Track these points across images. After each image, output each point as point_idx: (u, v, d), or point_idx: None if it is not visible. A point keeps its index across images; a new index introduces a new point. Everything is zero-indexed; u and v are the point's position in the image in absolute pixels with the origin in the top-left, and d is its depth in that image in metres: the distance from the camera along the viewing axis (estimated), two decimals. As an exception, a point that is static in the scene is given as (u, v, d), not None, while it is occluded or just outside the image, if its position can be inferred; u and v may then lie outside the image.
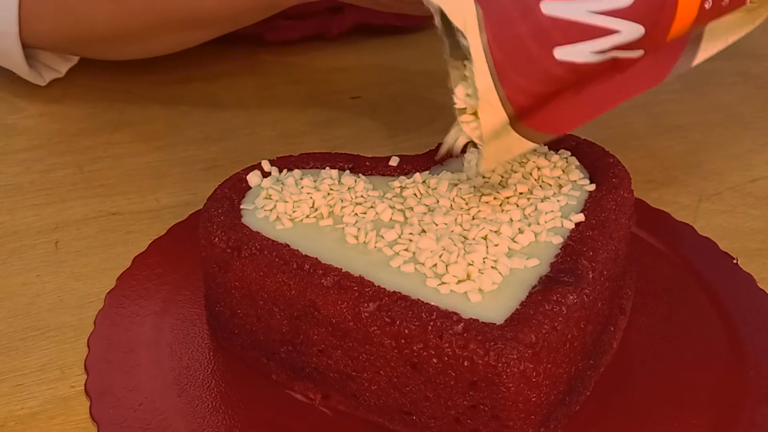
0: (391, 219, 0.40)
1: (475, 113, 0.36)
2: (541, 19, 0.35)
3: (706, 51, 0.41)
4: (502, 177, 0.42)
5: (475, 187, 0.41)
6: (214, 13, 0.56)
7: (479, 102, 0.35)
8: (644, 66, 0.39)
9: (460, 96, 0.37)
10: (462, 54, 0.36)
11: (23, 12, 0.57)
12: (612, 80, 0.38)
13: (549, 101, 0.37)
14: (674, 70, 0.40)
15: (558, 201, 0.41)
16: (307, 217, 0.40)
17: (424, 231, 0.39)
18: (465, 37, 0.34)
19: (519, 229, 0.39)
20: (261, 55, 0.72)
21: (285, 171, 0.43)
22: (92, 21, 0.57)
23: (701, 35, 0.40)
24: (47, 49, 0.62)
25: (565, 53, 0.36)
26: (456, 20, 0.34)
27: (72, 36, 0.59)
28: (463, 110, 0.37)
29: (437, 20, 0.35)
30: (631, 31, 0.37)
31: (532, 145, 0.38)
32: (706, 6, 0.39)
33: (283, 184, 0.42)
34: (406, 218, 0.40)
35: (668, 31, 0.38)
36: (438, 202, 0.41)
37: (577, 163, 0.44)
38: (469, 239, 0.38)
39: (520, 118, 0.36)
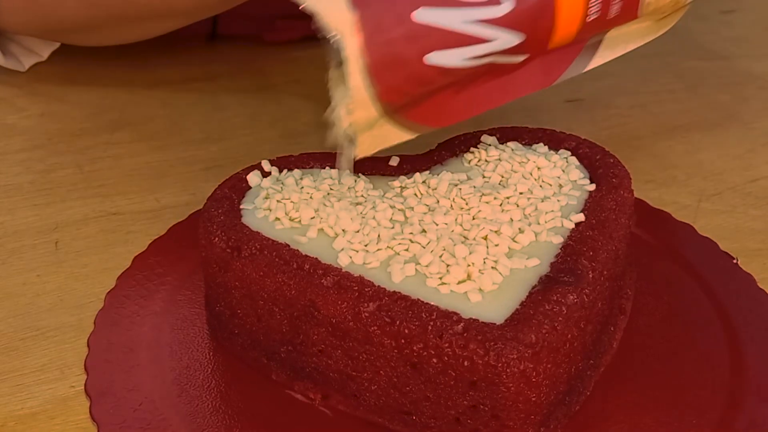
0: (391, 219, 0.40)
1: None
2: (413, 26, 0.37)
3: (602, 57, 0.43)
4: (502, 177, 0.42)
5: (475, 187, 0.41)
6: (176, 6, 0.56)
7: (351, 99, 0.37)
8: (533, 68, 0.40)
9: (337, 96, 0.39)
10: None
11: None
12: (497, 80, 0.40)
13: (429, 97, 0.39)
14: (566, 74, 0.42)
15: (558, 201, 0.41)
16: (308, 217, 0.40)
17: (424, 231, 0.39)
18: (339, 40, 0.37)
19: (519, 229, 0.39)
20: (261, 55, 0.72)
21: (285, 171, 0.43)
22: (60, 14, 0.58)
23: (600, 42, 0.42)
24: (27, 35, 0.63)
25: (437, 58, 0.37)
26: (331, 24, 0.37)
27: (44, 26, 0.60)
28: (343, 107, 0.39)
29: (318, 25, 0.37)
30: (506, 39, 0.38)
31: (409, 135, 0.40)
32: (589, 19, 0.40)
33: (283, 184, 0.42)
34: (406, 218, 0.40)
35: (549, 40, 0.40)
36: (438, 202, 0.41)
37: (577, 163, 0.44)
38: (469, 239, 0.38)
39: (396, 112, 0.39)
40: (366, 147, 0.39)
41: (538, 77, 0.41)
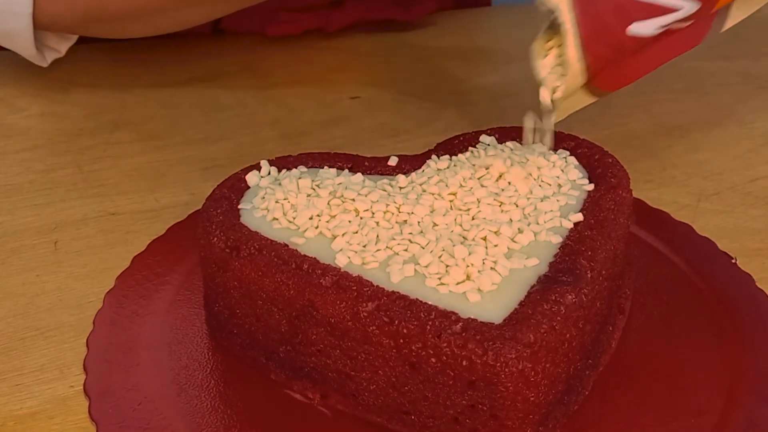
0: (390, 219, 0.40)
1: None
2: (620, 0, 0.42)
3: (733, 18, 0.47)
4: (501, 177, 0.42)
5: (474, 187, 0.41)
6: None
7: (569, 70, 0.42)
8: (686, 30, 0.45)
9: (546, 64, 0.44)
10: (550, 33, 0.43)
11: None
12: (658, 43, 0.44)
13: (611, 64, 0.44)
14: (708, 35, 0.47)
15: (557, 201, 0.41)
16: (307, 217, 0.40)
17: (422, 231, 0.39)
18: (559, 12, 0.41)
19: (518, 229, 0.39)
20: (261, 55, 0.72)
21: (284, 171, 0.43)
22: (104, 1, 0.57)
23: (730, 5, 0.47)
24: (57, 29, 0.63)
25: (636, 28, 0.42)
26: (550, 1, 0.41)
27: (86, 15, 0.59)
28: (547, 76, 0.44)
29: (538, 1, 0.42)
30: (690, 7, 0.43)
31: (592, 99, 0.46)
32: None
33: (281, 184, 0.42)
34: (405, 219, 0.40)
35: (716, 4, 0.45)
36: (437, 202, 0.41)
37: (576, 163, 0.44)
38: (468, 239, 0.38)
39: (590, 80, 0.44)
40: (562, 112, 0.44)
41: (689, 38, 0.46)
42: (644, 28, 0.42)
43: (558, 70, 0.43)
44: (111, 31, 0.63)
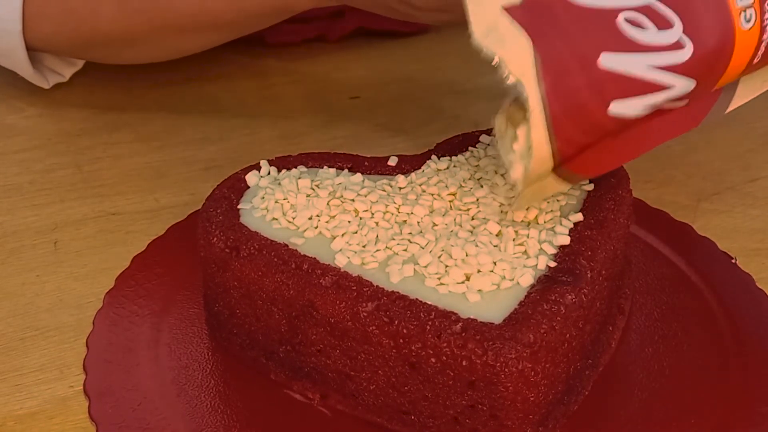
0: (389, 219, 0.40)
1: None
2: (598, 72, 0.34)
3: (740, 98, 0.41)
4: (502, 177, 0.42)
5: (473, 187, 0.41)
6: (220, 18, 0.55)
7: (532, 154, 0.35)
8: (682, 111, 0.38)
9: (509, 144, 0.37)
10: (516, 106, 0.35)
11: (27, 12, 0.57)
12: (649, 123, 0.37)
13: (590, 147, 0.37)
14: (710, 115, 0.40)
15: (557, 201, 0.41)
16: (307, 217, 0.40)
17: (422, 231, 0.39)
18: (522, 87, 0.34)
19: (518, 229, 0.39)
20: (260, 55, 0.72)
21: (284, 171, 0.43)
22: (96, 23, 0.57)
23: (737, 82, 0.40)
24: (51, 51, 0.62)
25: (619, 108, 0.35)
26: (513, 70, 0.34)
27: (76, 38, 0.59)
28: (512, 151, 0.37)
29: (500, 69, 0.34)
30: (684, 85, 0.36)
31: (565, 186, 0.38)
32: (755, 61, 0.38)
33: (281, 184, 0.42)
34: (404, 219, 0.40)
35: (715, 84, 0.38)
36: (437, 202, 0.41)
37: (576, 163, 0.44)
38: (467, 240, 0.38)
39: (562, 164, 0.36)
40: (527, 201, 0.37)
41: (686, 119, 0.39)
42: (628, 107, 0.35)
43: (524, 152, 0.36)
44: (105, 54, 0.62)
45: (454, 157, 0.44)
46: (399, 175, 0.43)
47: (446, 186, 0.41)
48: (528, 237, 0.39)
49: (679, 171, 0.57)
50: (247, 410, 0.39)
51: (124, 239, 0.50)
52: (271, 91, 0.67)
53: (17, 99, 0.64)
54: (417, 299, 0.36)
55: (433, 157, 0.44)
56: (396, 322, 0.35)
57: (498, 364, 0.34)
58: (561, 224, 0.40)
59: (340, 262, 0.37)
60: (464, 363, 0.34)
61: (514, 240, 0.39)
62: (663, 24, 0.35)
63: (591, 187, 0.42)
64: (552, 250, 0.38)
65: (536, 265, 0.38)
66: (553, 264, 0.38)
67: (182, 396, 0.39)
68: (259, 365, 0.40)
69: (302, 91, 0.67)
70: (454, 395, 0.35)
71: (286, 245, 0.39)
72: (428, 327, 0.35)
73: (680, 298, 0.45)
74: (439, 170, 0.43)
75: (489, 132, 0.46)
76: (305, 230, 0.39)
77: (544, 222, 0.40)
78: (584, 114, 0.35)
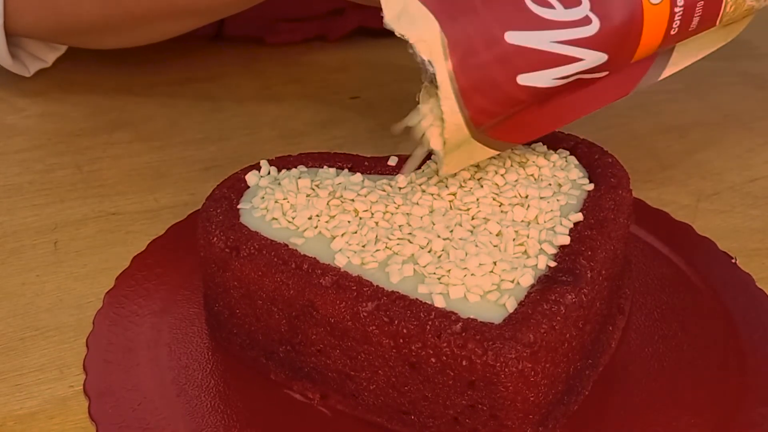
0: (389, 219, 0.40)
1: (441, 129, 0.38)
2: (505, 48, 0.37)
3: (675, 65, 0.43)
4: (501, 177, 0.42)
5: (473, 187, 0.41)
6: (196, 4, 0.56)
7: (444, 123, 0.37)
8: (611, 79, 0.41)
9: (426, 113, 0.39)
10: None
11: (8, 4, 0.57)
12: (578, 93, 0.40)
13: (515, 114, 0.39)
14: (641, 83, 0.42)
15: (558, 200, 0.41)
16: (306, 217, 0.40)
17: (422, 231, 0.39)
18: (431, 65, 0.36)
19: (518, 229, 0.39)
20: (260, 55, 0.72)
21: (283, 171, 0.43)
22: (77, 13, 0.57)
23: (672, 50, 0.42)
24: (33, 38, 0.62)
25: (529, 79, 0.37)
26: (421, 49, 0.36)
27: (57, 27, 0.59)
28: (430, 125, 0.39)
29: (411, 49, 0.37)
30: (594, 58, 0.38)
31: (494, 152, 0.40)
32: (672, 32, 0.40)
33: (281, 183, 0.42)
34: (404, 218, 0.40)
35: (633, 55, 0.40)
36: (437, 202, 0.41)
37: (576, 163, 0.44)
38: (467, 240, 0.38)
39: (484, 132, 0.38)
40: (452, 166, 0.39)
41: (616, 87, 0.41)
42: (536, 79, 0.37)
43: (437, 122, 0.38)
44: (87, 42, 0.63)
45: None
46: (399, 175, 0.43)
47: (446, 186, 0.41)
48: (528, 237, 0.39)
49: (678, 171, 0.57)
50: (247, 410, 0.39)
51: (124, 239, 0.50)
52: (271, 91, 0.67)
53: (17, 99, 0.64)
54: (417, 299, 0.36)
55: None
56: (396, 322, 0.35)
57: (498, 364, 0.34)
58: (561, 224, 0.40)
59: (340, 262, 0.37)
60: (464, 363, 0.34)
61: (514, 240, 0.39)
62: (570, 3, 0.38)
63: (591, 187, 0.42)
64: (552, 250, 0.38)
65: (536, 265, 0.38)
66: (553, 264, 0.38)
67: (182, 396, 0.39)
68: (259, 365, 0.40)
69: (302, 91, 0.67)
70: (454, 395, 0.35)
71: (286, 245, 0.39)
72: (428, 327, 0.35)
73: (680, 298, 0.45)
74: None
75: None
76: (305, 230, 0.39)
77: (544, 222, 0.40)
78: (493, 87, 0.37)
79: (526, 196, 0.41)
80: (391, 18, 0.36)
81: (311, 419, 0.39)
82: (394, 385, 0.37)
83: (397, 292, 0.36)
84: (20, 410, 0.39)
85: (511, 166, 0.43)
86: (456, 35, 0.36)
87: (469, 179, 0.42)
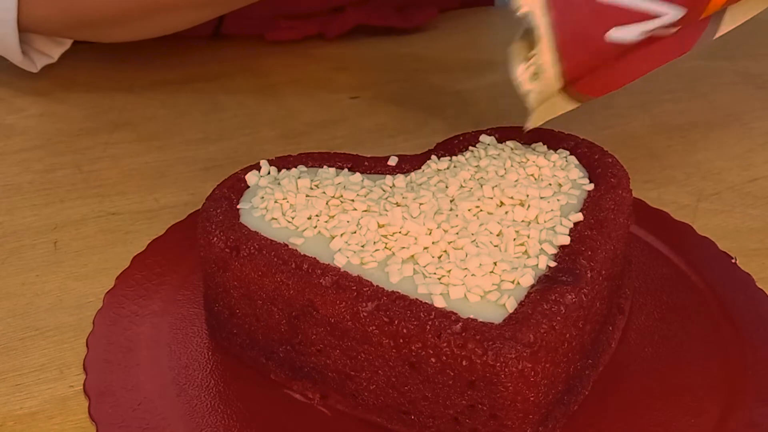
0: (389, 219, 0.40)
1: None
2: (598, 5, 0.40)
3: (727, 24, 0.45)
4: (502, 176, 0.42)
5: (473, 186, 0.41)
6: None
7: (543, 74, 0.40)
8: (674, 38, 0.43)
9: (523, 70, 0.41)
10: (528, 36, 0.41)
11: None
12: (645, 49, 0.43)
13: (594, 69, 0.42)
14: (699, 42, 0.45)
15: (558, 200, 0.41)
16: (306, 217, 0.40)
17: (423, 231, 0.39)
18: (531, 19, 0.39)
19: (518, 228, 0.39)
20: (260, 55, 0.72)
21: (283, 171, 0.43)
22: (90, 5, 0.57)
23: (724, 11, 0.45)
24: (42, 32, 0.62)
25: (617, 34, 0.40)
26: (523, 2, 0.39)
27: (68, 20, 0.59)
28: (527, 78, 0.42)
29: (513, 3, 0.40)
30: (675, 12, 0.41)
31: (574, 105, 0.44)
32: None
33: (281, 183, 0.42)
34: (404, 218, 0.40)
35: (704, 11, 0.43)
36: (436, 202, 0.41)
37: (576, 163, 0.44)
38: (468, 239, 0.38)
39: (569, 85, 0.42)
40: (538, 118, 0.42)
41: (678, 44, 0.44)
42: (625, 33, 0.41)
43: (534, 74, 0.41)
44: (96, 35, 0.63)
45: (454, 157, 0.44)
46: (399, 174, 0.43)
47: (446, 186, 0.41)
48: (528, 237, 0.39)
49: (678, 171, 0.57)
50: (247, 410, 0.39)
51: (124, 239, 0.50)
52: (271, 91, 0.67)
53: (17, 99, 0.64)
54: (417, 299, 0.36)
55: (433, 157, 0.44)
56: (396, 321, 0.35)
57: (498, 364, 0.34)
58: (561, 224, 0.40)
59: (339, 261, 0.37)
60: (464, 363, 0.34)
61: (514, 240, 0.39)
62: None
63: (591, 187, 0.42)
64: (552, 250, 0.38)
65: (537, 264, 0.38)
66: (553, 264, 0.38)
67: (182, 396, 0.39)
68: (259, 365, 0.40)
69: (302, 90, 0.67)
70: (454, 395, 0.35)
71: (286, 245, 0.39)
72: (428, 327, 0.35)
73: (680, 298, 0.45)
74: (439, 170, 0.43)
75: (489, 132, 0.46)
76: (304, 230, 0.39)
77: (545, 222, 0.40)
78: (587, 39, 0.40)
79: (527, 196, 0.41)
80: None
81: (311, 419, 0.39)
82: (394, 385, 0.37)
83: (397, 292, 0.36)
84: (20, 410, 0.39)
85: (512, 166, 0.43)
86: None
87: (470, 179, 0.42)
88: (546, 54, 0.39)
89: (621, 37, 0.40)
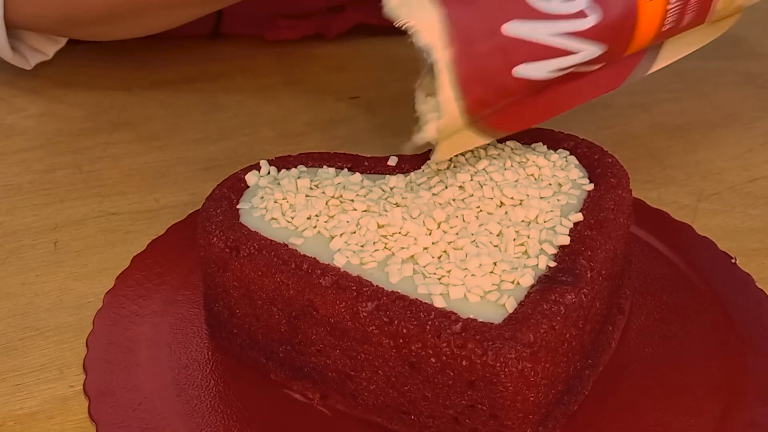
0: (389, 219, 0.40)
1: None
2: (504, 39, 0.37)
3: (664, 60, 0.44)
4: (502, 176, 0.42)
5: (473, 187, 0.41)
6: None
7: (441, 112, 0.37)
8: (604, 71, 0.42)
9: (425, 103, 0.39)
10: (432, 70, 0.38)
11: None
12: (571, 84, 0.41)
13: (507, 105, 0.39)
14: (631, 77, 0.43)
15: (558, 200, 0.41)
16: (305, 217, 0.40)
17: (422, 231, 0.39)
18: (431, 53, 0.37)
19: (517, 228, 0.39)
20: (260, 55, 0.72)
21: (283, 171, 0.43)
22: (82, 3, 0.57)
23: (661, 45, 0.43)
24: (33, 30, 0.62)
25: (525, 71, 0.38)
26: (422, 37, 0.37)
27: (59, 18, 0.59)
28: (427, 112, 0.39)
29: (411, 38, 0.37)
30: (590, 51, 0.39)
31: (487, 140, 0.41)
32: (664, 28, 0.41)
33: (281, 183, 0.42)
34: (404, 218, 0.40)
35: (626, 49, 0.41)
36: (436, 202, 0.41)
37: (576, 163, 0.44)
38: (468, 239, 0.38)
39: (478, 120, 0.39)
40: (445, 152, 0.40)
41: (608, 80, 0.42)
42: (534, 71, 0.38)
43: (435, 110, 0.38)
44: (87, 33, 0.63)
45: (454, 157, 0.44)
46: (399, 174, 0.43)
47: (446, 186, 0.41)
48: (528, 237, 0.39)
49: (678, 171, 0.57)
50: (247, 410, 0.39)
51: (124, 239, 0.50)
52: (271, 91, 0.67)
53: (17, 99, 0.64)
54: (417, 299, 0.36)
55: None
56: (396, 322, 0.35)
57: (498, 364, 0.34)
58: (561, 224, 0.40)
59: (339, 261, 0.37)
60: (464, 363, 0.34)
61: (514, 240, 0.39)
62: None
63: (591, 187, 0.42)
64: (552, 250, 0.38)
65: (537, 265, 0.38)
66: (553, 264, 0.38)
67: (182, 396, 0.39)
68: (258, 365, 0.40)
69: (302, 90, 0.67)
70: (454, 395, 0.35)
71: (286, 245, 0.39)
72: (428, 327, 0.35)
73: (680, 298, 0.45)
74: (439, 170, 0.43)
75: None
76: (304, 230, 0.39)
77: (544, 222, 0.40)
78: (490, 77, 0.38)
79: (527, 196, 0.41)
80: (392, 6, 0.37)
81: (311, 419, 0.39)
82: (394, 385, 0.37)
83: (397, 292, 0.36)
84: (20, 410, 0.39)
85: (512, 166, 0.43)
86: (456, 24, 0.37)
87: (470, 180, 0.42)
88: (447, 89, 0.37)
89: (530, 74, 0.38)
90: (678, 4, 0.41)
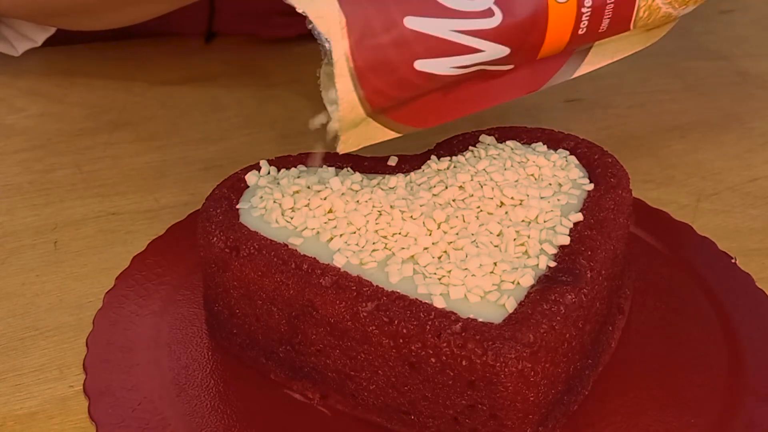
0: (389, 219, 0.40)
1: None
2: (403, 32, 0.37)
3: (590, 64, 0.43)
4: (501, 176, 0.42)
5: (473, 186, 0.41)
6: None
7: (339, 100, 0.37)
8: (521, 73, 0.41)
9: (326, 94, 0.39)
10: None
11: None
12: (485, 84, 0.40)
13: (416, 99, 0.39)
14: (553, 80, 0.42)
15: (558, 200, 0.41)
16: (305, 217, 0.40)
17: (422, 231, 0.39)
18: (328, 42, 0.36)
19: (518, 228, 0.39)
20: (260, 55, 0.72)
21: (283, 171, 0.43)
22: None
23: (588, 49, 0.43)
24: (15, 18, 0.62)
25: (426, 66, 0.37)
26: (320, 26, 0.36)
27: (37, 9, 0.59)
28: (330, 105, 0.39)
29: (309, 25, 0.37)
30: (495, 51, 0.39)
31: (395, 134, 0.40)
32: (580, 32, 0.40)
33: (281, 183, 0.42)
34: (404, 218, 0.40)
35: (537, 52, 0.40)
36: (436, 202, 0.41)
37: (576, 163, 0.44)
38: (468, 239, 0.38)
39: (382, 113, 0.39)
40: (350, 144, 0.39)
41: (525, 82, 0.42)
42: (434, 66, 0.38)
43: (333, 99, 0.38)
44: (66, 23, 0.62)
45: (454, 157, 0.44)
46: (399, 174, 0.43)
47: (446, 186, 0.41)
48: (528, 237, 0.39)
49: (678, 171, 0.57)
50: (247, 410, 0.39)
51: (124, 239, 0.50)
52: (271, 91, 0.67)
53: (17, 99, 0.64)
54: (417, 299, 0.36)
55: (433, 157, 0.44)
56: (396, 322, 0.35)
57: (498, 364, 0.34)
58: (561, 224, 0.40)
59: (339, 261, 0.37)
60: (464, 363, 0.34)
61: (514, 240, 0.39)
62: None
63: (591, 187, 0.42)
64: (552, 250, 0.38)
65: (537, 265, 0.38)
66: (553, 264, 0.38)
67: (182, 396, 0.39)
68: (258, 365, 0.40)
69: (302, 90, 0.67)
70: (454, 395, 0.35)
71: (286, 245, 0.39)
72: (428, 327, 0.35)
73: (680, 298, 0.45)
74: (439, 170, 0.43)
75: (489, 132, 0.46)
76: (304, 230, 0.39)
77: (545, 222, 0.40)
78: (390, 70, 0.37)
79: (527, 196, 0.41)
80: None
81: (311, 419, 0.39)
82: (394, 385, 0.37)
83: (397, 292, 0.36)
84: (20, 410, 0.39)
85: (512, 166, 0.43)
86: (354, 15, 0.36)
87: (470, 180, 0.42)
88: (343, 79, 0.37)
89: (432, 69, 0.38)
90: (592, 8, 0.40)
